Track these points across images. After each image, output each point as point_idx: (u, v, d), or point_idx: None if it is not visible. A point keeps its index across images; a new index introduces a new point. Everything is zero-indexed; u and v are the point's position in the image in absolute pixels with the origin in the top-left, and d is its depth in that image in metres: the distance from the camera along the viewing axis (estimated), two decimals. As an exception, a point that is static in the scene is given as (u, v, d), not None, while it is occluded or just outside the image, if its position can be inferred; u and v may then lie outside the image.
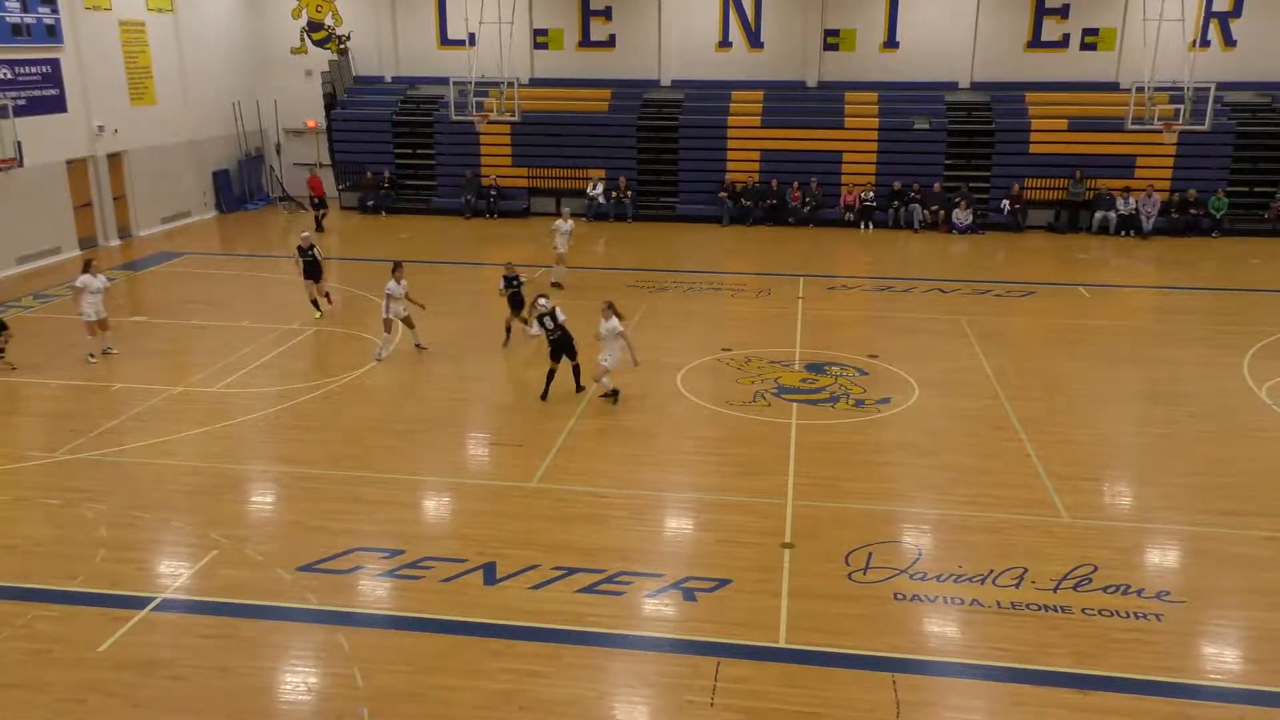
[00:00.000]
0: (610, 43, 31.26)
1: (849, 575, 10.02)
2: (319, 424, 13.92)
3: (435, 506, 11.82)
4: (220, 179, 30.46)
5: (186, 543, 10.71)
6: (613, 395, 14.48)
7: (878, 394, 15.12)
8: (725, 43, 30.77)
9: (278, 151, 32.73)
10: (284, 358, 16.78)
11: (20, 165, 19.53)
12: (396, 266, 16.78)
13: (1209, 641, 9.07)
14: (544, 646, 8.88)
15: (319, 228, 27.48)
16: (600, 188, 29.30)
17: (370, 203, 30.24)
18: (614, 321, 14.04)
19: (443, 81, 28.65)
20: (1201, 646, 9.00)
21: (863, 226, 28.19)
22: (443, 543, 10.73)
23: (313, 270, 18.89)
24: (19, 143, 19.09)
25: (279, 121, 32.38)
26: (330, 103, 31.44)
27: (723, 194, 28.95)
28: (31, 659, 8.66)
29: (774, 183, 28.82)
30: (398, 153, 31.04)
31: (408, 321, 16.86)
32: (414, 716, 7.99)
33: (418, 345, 16.99)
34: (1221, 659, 8.86)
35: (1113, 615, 9.30)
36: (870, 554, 10.41)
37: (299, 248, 19.02)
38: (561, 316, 14.65)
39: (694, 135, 29.73)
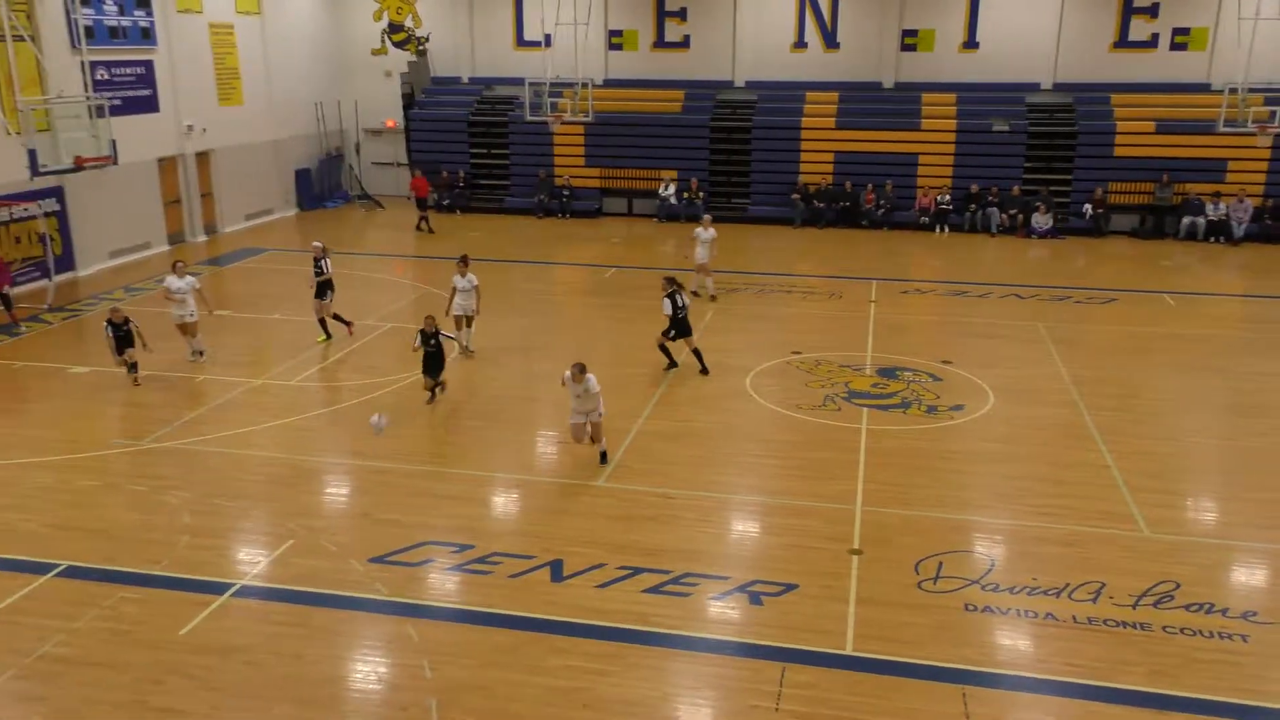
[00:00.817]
0: (684, 43, 31.25)
1: (918, 584, 9.86)
2: (393, 418, 14.15)
3: (504, 503, 11.95)
4: (301, 177, 31.22)
5: (264, 531, 11.00)
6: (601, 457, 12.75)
7: (951, 400, 14.85)
8: (800, 43, 30.52)
9: (357, 151, 33.43)
10: (359, 353, 17.13)
11: (115, 163, 20.26)
12: (462, 260, 16.84)
13: (1298, 665, 8.73)
14: (609, 645, 8.91)
15: (427, 229, 27.69)
16: (672, 189, 29.30)
17: (445, 202, 30.70)
18: (591, 380, 12.20)
19: (518, 82, 29.00)
20: (1290, 670, 8.66)
21: (938, 230, 27.72)
22: (511, 539, 10.85)
23: (322, 289, 17.32)
24: (114, 141, 19.80)
25: (359, 121, 33.07)
26: (408, 103, 32.02)
27: (795, 195, 28.72)
28: (115, 639, 8.98)
29: (847, 185, 28.50)
30: (473, 152, 31.47)
31: (467, 320, 16.61)
32: (479, 710, 8.09)
33: (464, 348, 16.60)
34: (1311, 684, 8.51)
35: (1195, 634, 9.00)
36: (941, 563, 10.23)
37: (313, 259, 17.40)
38: (681, 301, 15.17)
39: (767, 136, 29.54)
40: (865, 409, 14.47)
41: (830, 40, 30.33)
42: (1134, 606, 9.42)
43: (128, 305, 20.18)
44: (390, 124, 32.97)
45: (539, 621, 9.25)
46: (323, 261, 17.26)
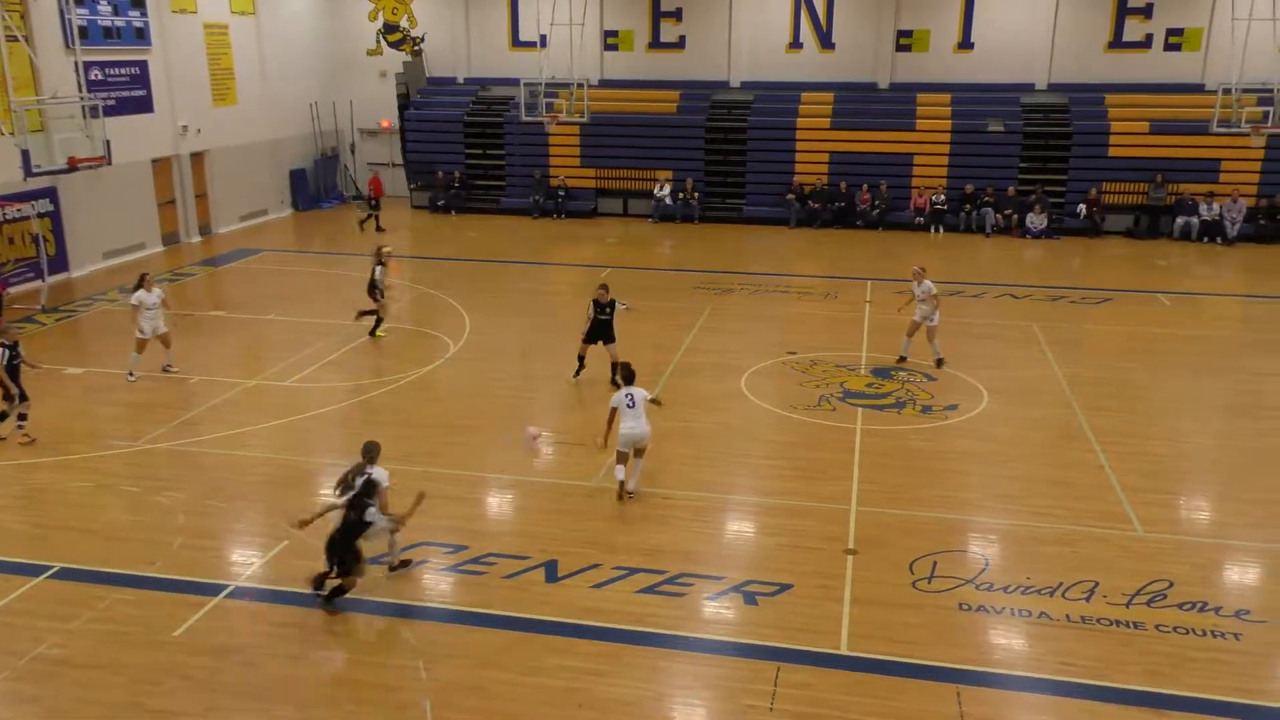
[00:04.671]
0: (680, 44, 31.26)
1: (913, 583, 9.88)
2: (387, 419, 14.17)
3: (499, 503, 11.95)
4: (296, 178, 31.19)
5: (259, 533, 11.00)
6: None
7: (945, 400, 14.87)
8: (796, 44, 30.56)
9: (352, 151, 33.41)
10: (355, 353, 17.12)
11: (109, 164, 20.23)
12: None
13: (1292, 664, 8.76)
14: (604, 645, 8.92)
15: (377, 228, 27.83)
16: (667, 189, 29.32)
17: (441, 202, 30.69)
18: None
19: (514, 83, 28.96)
20: (1283, 669, 8.70)
21: (933, 230, 27.75)
22: (506, 539, 10.85)
23: (371, 290, 17.71)
24: (108, 141, 19.76)
25: (354, 122, 33.04)
26: (404, 103, 31.99)
27: (790, 196, 28.75)
28: (111, 641, 8.97)
29: (842, 185, 28.53)
30: (468, 153, 31.45)
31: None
32: (475, 710, 8.10)
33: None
34: (1304, 683, 8.54)
35: (1189, 633, 9.03)
36: (935, 563, 10.25)
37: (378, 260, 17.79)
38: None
39: (762, 137, 29.56)
40: (860, 409, 14.49)
41: (825, 41, 30.37)
42: (1128, 605, 9.45)
43: (122, 306, 20.15)
44: (385, 125, 32.94)
45: (534, 622, 9.26)
46: (378, 267, 17.62)
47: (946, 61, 29.77)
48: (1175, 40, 28.61)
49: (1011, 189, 27.88)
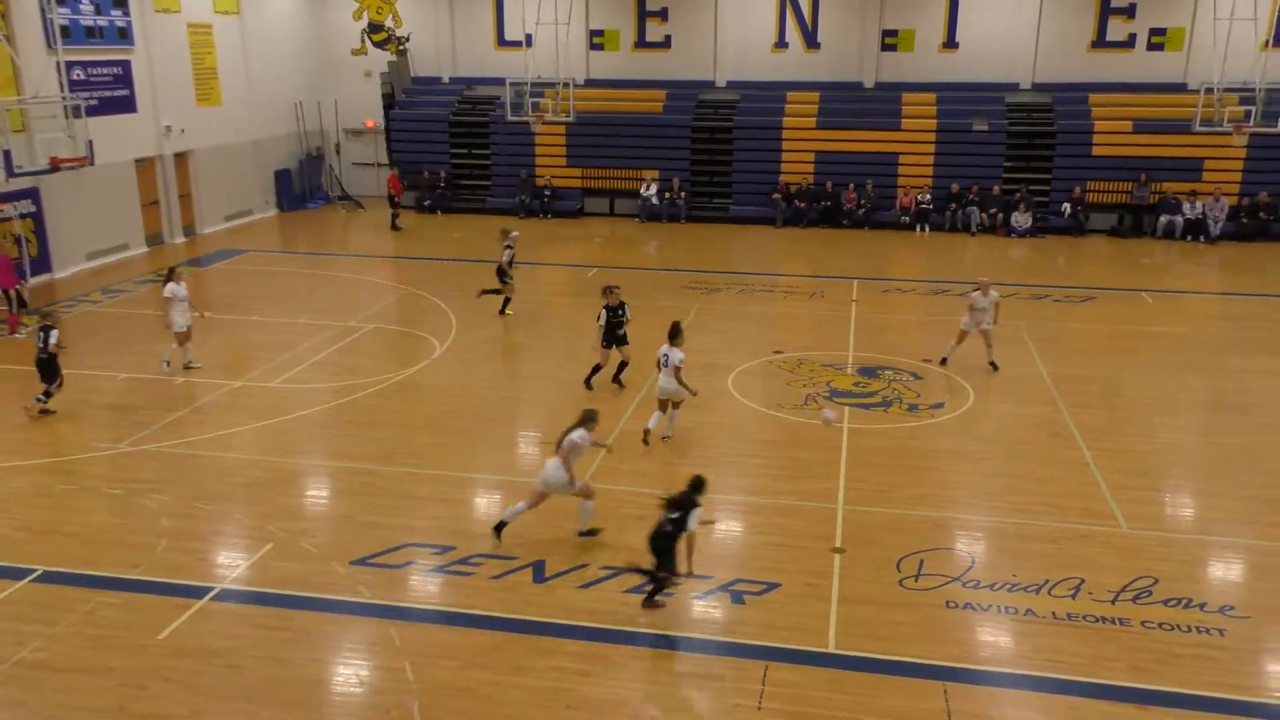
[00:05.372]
0: (666, 44, 31.27)
1: (900, 582, 9.90)
2: (374, 420, 14.12)
3: (486, 504, 11.91)
4: (281, 178, 31.05)
5: (244, 534, 10.93)
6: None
7: (931, 399, 14.92)
8: (781, 43, 30.60)
9: (337, 151, 33.28)
10: (341, 354, 17.05)
11: (92, 164, 20.09)
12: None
13: (1276, 659, 8.81)
14: (592, 646, 8.91)
15: (394, 227, 27.83)
16: (654, 189, 29.32)
17: (426, 202, 30.61)
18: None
19: (499, 82, 28.90)
20: (1268, 664, 8.75)
21: (918, 229, 27.85)
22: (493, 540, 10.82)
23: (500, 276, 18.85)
24: (90, 142, 19.63)
25: (339, 122, 32.91)
26: (389, 103, 31.90)
27: (776, 195, 28.79)
28: (95, 644, 8.90)
29: (828, 184, 28.59)
30: (454, 153, 31.38)
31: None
32: (463, 712, 8.07)
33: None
34: (1288, 678, 8.61)
35: (1174, 629, 9.08)
36: (922, 561, 10.28)
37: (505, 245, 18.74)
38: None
39: (748, 136, 29.60)
40: (847, 408, 14.52)
41: (811, 40, 30.43)
42: (1113, 602, 9.50)
43: (106, 307, 20.03)
44: (370, 124, 32.83)
45: (522, 623, 9.24)
46: (506, 250, 18.68)
47: (932, 61, 29.87)
48: (1158, 40, 28.79)
49: (996, 188, 28.00)
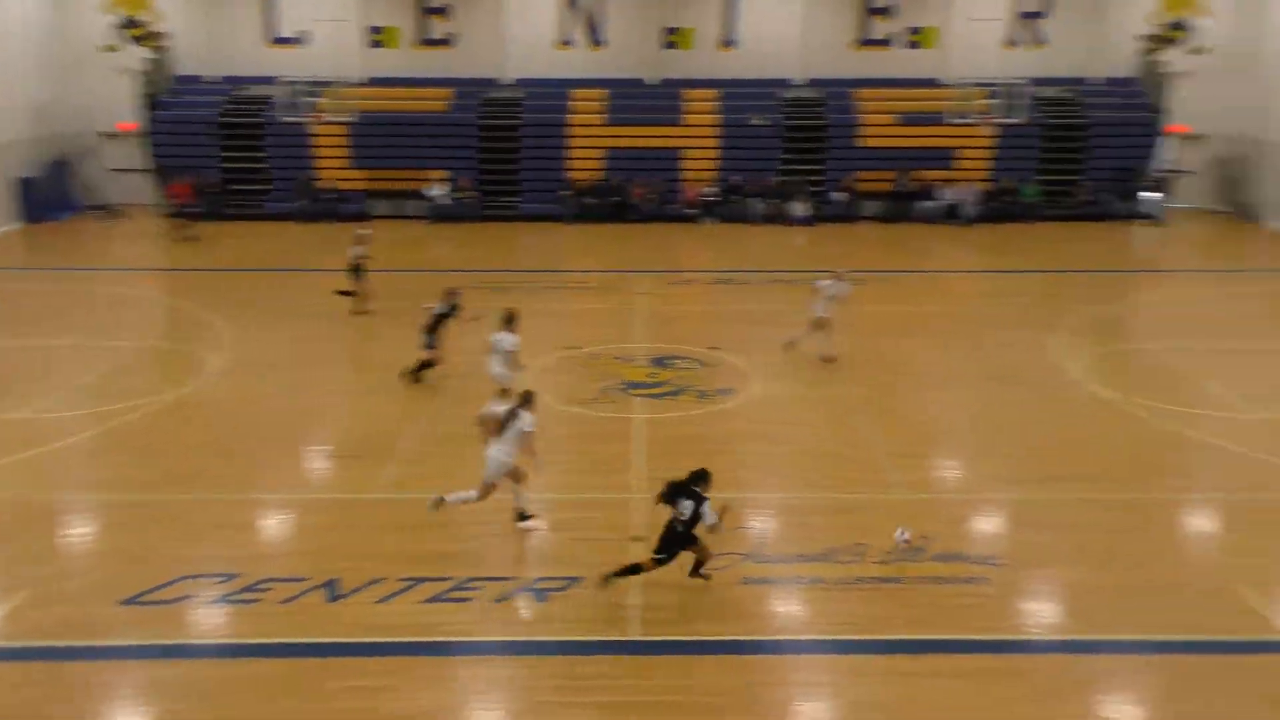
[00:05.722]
0: (449, 41, 30.76)
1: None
2: (144, 445, 13.12)
3: (271, 525, 11.30)
4: (25, 187, 28.26)
5: (-6, 581, 9.88)
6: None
7: (720, 385, 15.39)
8: (566, 41, 30.75)
9: (89, 156, 30.62)
10: (106, 377, 15.72)
11: None
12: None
13: (1033, 599, 9.65)
14: (394, 661, 8.64)
15: (185, 238, 25.72)
16: (442, 189, 28.76)
17: (197, 209, 28.70)
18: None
19: (271, 81, 27.54)
20: (1027, 604, 9.57)
21: (704, 222, 28.69)
22: (280, 562, 10.28)
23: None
24: None
25: (93, 124, 30.33)
26: (149, 103, 29.70)
27: (566, 192, 28.91)
28: None
29: (617, 180, 28.98)
30: (226, 156, 29.60)
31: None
32: (253, 745, 7.63)
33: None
34: (1044, 614, 9.43)
35: (945, 582, 9.76)
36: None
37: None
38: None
39: (536, 134, 29.59)
40: (640, 399, 14.75)
41: (595, 38, 30.74)
42: (890, 563, 10.11)
43: None
44: (127, 126, 30.42)
45: (317, 646, 8.83)
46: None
47: (712, 58, 30.87)
48: (915, 39, 30.94)
49: (776, 179, 29.25)
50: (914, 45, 30.95)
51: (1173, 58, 28.94)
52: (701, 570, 9.70)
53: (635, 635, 9.03)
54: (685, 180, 29.35)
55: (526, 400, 10.70)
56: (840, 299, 16.18)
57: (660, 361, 16.46)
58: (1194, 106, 29.08)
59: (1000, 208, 28.78)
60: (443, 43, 30.79)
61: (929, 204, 28.91)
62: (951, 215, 28.73)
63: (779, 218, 28.70)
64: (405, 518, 11.08)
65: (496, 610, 9.42)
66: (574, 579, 9.86)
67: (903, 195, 29.19)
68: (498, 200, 29.46)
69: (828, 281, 16.14)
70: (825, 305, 16.05)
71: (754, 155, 29.59)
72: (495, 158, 29.77)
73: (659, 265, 23.45)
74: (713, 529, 9.28)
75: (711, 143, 29.64)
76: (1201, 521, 11.42)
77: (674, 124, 29.59)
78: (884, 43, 30.96)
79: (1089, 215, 28.70)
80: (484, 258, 24.52)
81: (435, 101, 30.02)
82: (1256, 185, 28.83)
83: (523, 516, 10.89)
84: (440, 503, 10.67)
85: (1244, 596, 9.46)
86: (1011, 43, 30.41)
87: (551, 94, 30.25)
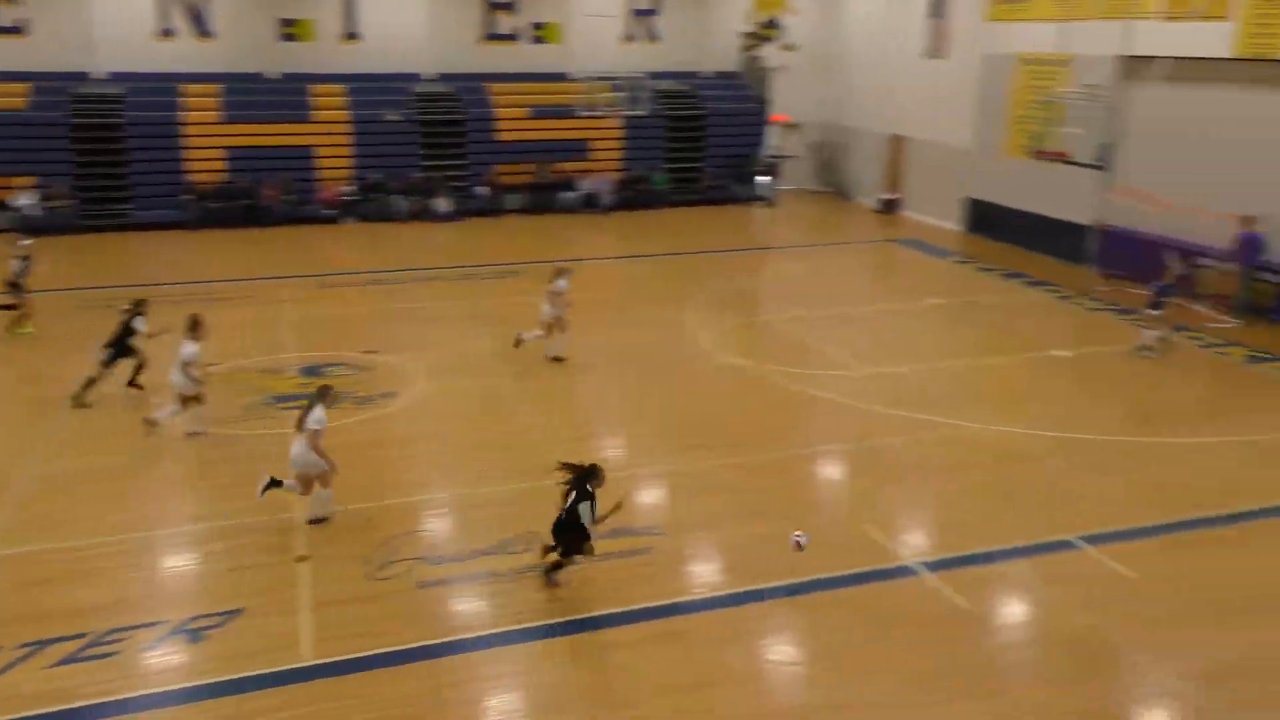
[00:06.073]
0: (20, 29, 26.96)
1: (370, 575, 9.82)
2: None
3: None
4: None
5: None
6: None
7: (382, 388, 14.96)
8: (167, 31, 28.11)
9: None
10: None
11: None
12: None
13: (694, 561, 10.33)
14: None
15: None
16: (30, 198, 25.23)
17: None
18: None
19: None
20: (689, 566, 10.22)
21: (346, 221, 27.63)
22: None
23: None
24: None
25: None
26: None
27: (188, 196, 26.54)
28: None
29: (245, 182, 27.08)
30: None
31: None
32: None
33: None
34: (704, 575, 10.12)
35: (613, 558, 10.17)
36: (391, 548, 10.28)
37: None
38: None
39: (144, 134, 26.80)
40: (292, 412, 13.89)
41: (201, 28, 28.38)
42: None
43: None
44: None
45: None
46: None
47: (336, 52, 29.66)
48: (539, 34, 31.67)
49: (417, 175, 28.80)
50: (539, 40, 31.72)
51: (768, 53, 32.07)
52: (554, 575, 9.65)
53: (309, 659, 8.55)
54: (321, 179, 28.05)
55: (321, 395, 10.75)
56: (564, 296, 16.14)
57: (312, 371, 15.64)
58: (791, 97, 32.42)
59: (634, 196, 30.40)
60: (13, 31, 26.94)
61: (569, 194, 29.88)
62: (590, 204, 29.91)
63: (424, 214, 28.31)
64: (24, 573, 9.68)
65: (146, 661, 8.50)
66: (233, 612, 9.14)
67: (544, 187, 29.91)
68: (103, 208, 26.37)
69: (562, 281, 16.11)
70: (555, 304, 16.04)
71: (391, 152, 28.88)
72: (95, 161, 26.61)
73: (302, 269, 22.26)
74: (587, 525, 9.31)
75: (345, 140, 28.55)
76: (831, 471, 12.82)
77: (302, 120, 28.14)
78: (511, 37, 31.44)
79: (713, 199, 31.13)
80: (92, 273, 21.88)
81: (11, 98, 26.24)
82: (848, 167, 32.83)
83: (316, 520, 10.80)
84: (271, 486, 10.70)
85: (869, 533, 10.75)
86: (629, 38, 32.14)
87: (157, 89, 27.54)
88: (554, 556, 9.64)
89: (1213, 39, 18.95)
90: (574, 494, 9.40)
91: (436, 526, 10.95)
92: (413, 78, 30.30)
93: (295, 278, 21.54)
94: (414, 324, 18.36)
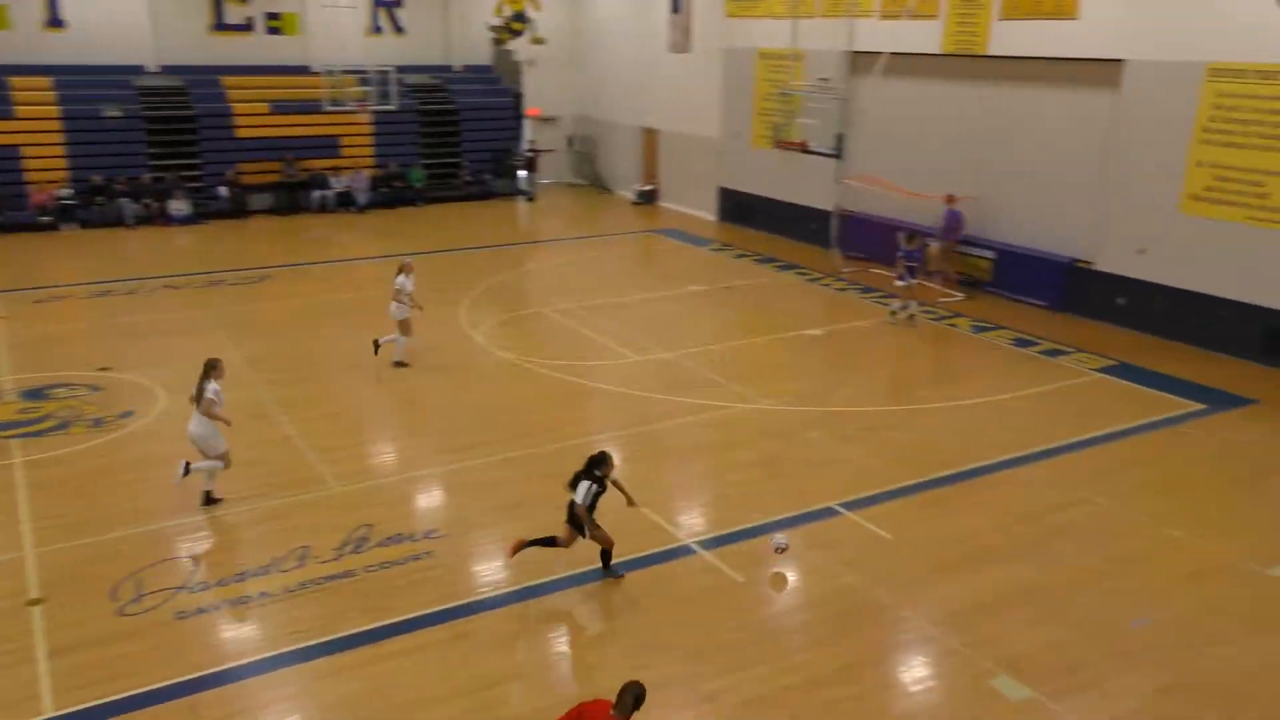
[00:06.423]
0: None
1: (119, 611, 8.95)
2: None
3: None
4: None
5: None
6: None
7: (117, 409, 13.68)
8: None
9: None
10: None
11: None
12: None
13: (476, 561, 10.13)
14: None
15: None
16: None
17: None
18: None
19: None
20: (471, 567, 10.02)
21: (65, 228, 25.05)
22: None
23: None
24: None
25: None
26: None
27: None
28: None
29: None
30: None
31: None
32: None
33: None
34: (488, 573, 9.94)
35: (392, 565, 9.82)
36: (140, 581, 9.42)
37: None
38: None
39: None
40: (14, 441, 12.50)
41: None
42: (337, 559, 9.90)
43: None
44: None
45: None
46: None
47: (39, 40, 26.81)
48: (275, 24, 29.96)
49: (146, 176, 26.54)
50: (275, 31, 30.02)
51: (518, 47, 31.98)
52: (611, 565, 9.65)
53: (49, 711, 7.68)
54: (31, 182, 25.27)
55: (209, 369, 10.80)
56: (408, 293, 15.33)
57: (36, 394, 14.08)
58: (545, 91, 32.51)
59: (391, 193, 29.47)
60: None
61: (321, 193, 28.53)
62: (345, 203, 28.71)
63: (158, 218, 26.14)
64: None
65: None
66: (-45, 669, 8.06)
67: (292, 185, 28.40)
68: None
69: (401, 277, 15.30)
70: (402, 302, 15.29)
71: (114, 151, 26.47)
72: None
73: (15, 283, 19.98)
74: (583, 507, 9.28)
75: (56, 138, 25.87)
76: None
77: (4, 117, 25.24)
78: (244, 28, 29.57)
79: (473, 195, 30.71)
80: None
81: None
82: (605, 160, 33.31)
83: (209, 500, 10.90)
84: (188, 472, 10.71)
85: (648, 516, 10.93)
86: (375, 30, 31.08)
87: None
88: (598, 546, 9.63)
89: (923, 37, 20.75)
90: (583, 484, 9.38)
91: (194, 551, 10.14)
92: (134, 70, 27.88)
93: (7, 292, 19.32)
94: (153, 337, 16.93)
